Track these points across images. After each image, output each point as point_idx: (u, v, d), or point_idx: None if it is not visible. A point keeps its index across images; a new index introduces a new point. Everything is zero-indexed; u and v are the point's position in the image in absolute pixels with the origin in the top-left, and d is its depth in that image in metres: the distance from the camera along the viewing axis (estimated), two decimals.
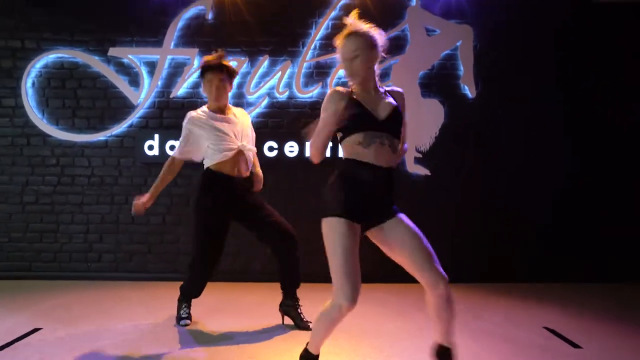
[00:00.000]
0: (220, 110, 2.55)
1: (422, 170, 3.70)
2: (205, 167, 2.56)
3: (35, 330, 2.47)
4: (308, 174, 3.50)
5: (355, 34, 1.65)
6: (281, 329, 2.54)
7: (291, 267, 2.53)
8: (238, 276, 3.64)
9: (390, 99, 1.73)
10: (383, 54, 1.72)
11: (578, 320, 2.73)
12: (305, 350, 1.80)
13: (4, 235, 3.71)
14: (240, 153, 2.51)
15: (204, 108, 2.57)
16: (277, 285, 2.61)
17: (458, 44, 3.68)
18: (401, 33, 3.71)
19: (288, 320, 2.59)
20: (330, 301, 1.61)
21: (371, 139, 1.64)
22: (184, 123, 2.53)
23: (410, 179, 3.70)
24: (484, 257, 3.70)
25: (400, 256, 1.68)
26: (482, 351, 2.23)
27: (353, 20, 1.69)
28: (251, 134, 2.67)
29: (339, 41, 1.70)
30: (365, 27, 1.67)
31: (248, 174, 2.60)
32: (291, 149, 3.65)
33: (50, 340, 2.33)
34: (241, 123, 2.59)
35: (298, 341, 2.25)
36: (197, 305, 2.77)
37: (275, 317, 2.66)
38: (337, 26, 3.67)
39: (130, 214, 3.71)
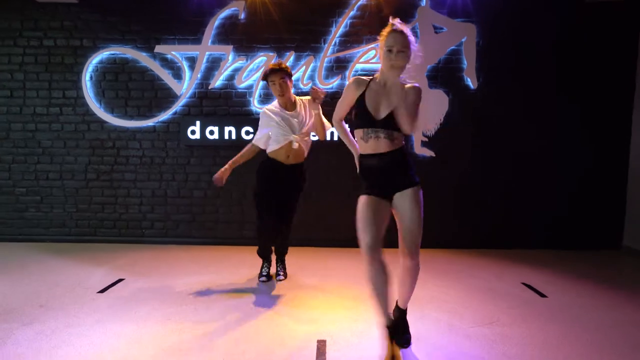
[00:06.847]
0: (286, 104, 2.96)
1: (428, 152, 4.24)
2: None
3: (120, 280, 3.17)
4: (330, 154, 4.11)
5: (405, 34, 1.86)
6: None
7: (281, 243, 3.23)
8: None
9: (400, 95, 1.94)
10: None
11: (551, 278, 3.33)
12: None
13: (73, 207, 4.42)
14: (291, 143, 2.93)
15: (275, 103, 2.99)
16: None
17: (463, 40, 4.13)
18: (412, 30, 4.15)
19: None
20: None
21: (367, 135, 1.97)
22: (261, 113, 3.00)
23: (417, 159, 4.26)
24: (481, 227, 4.29)
25: (398, 223, 2.03)
26: (472, 299, 2.86)
27: (400, 22, 1.91)
28: (311, 120, 2.99)
29: (385, 33, 1.88)
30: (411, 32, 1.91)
31: (301, 160, 3.01)
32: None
33: (135, 287, 3.03)
34: (303, 114, 2.99)
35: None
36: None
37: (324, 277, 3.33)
38: (355, 25, 4.14)
39: (177, 189, 4.38)
